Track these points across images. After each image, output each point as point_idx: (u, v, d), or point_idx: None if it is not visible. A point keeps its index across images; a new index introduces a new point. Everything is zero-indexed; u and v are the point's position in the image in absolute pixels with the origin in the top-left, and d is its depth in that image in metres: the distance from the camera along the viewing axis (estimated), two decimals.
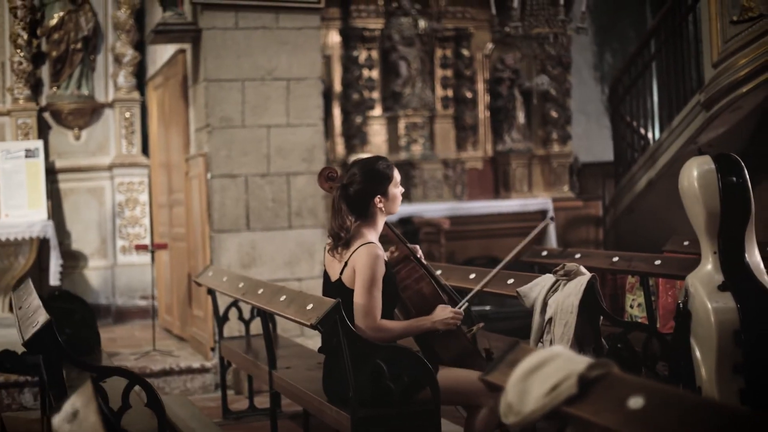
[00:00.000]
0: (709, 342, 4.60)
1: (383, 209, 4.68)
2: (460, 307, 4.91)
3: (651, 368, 5.05)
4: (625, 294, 7.27)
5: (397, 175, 4.78)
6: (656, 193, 10.13)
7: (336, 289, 4.65)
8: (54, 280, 9.81)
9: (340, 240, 4.62)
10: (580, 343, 4.92)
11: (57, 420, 2.55)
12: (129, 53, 10.62)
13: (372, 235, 4.67)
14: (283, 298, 5.01)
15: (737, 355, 4.57)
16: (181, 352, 8.44)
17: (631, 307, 7.14)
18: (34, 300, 5.06)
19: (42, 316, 4.25)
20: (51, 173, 10.62)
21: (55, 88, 10.63)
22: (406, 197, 11.45)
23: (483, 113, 12.13)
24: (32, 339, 4.04)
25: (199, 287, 7.32)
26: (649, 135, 10.64)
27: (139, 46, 10.80)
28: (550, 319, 4.82)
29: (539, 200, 11.63)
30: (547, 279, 4.96)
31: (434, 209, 10.95)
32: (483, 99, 12.13)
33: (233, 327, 7.39)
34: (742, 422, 2.07)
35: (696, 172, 4.70)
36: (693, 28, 9.67)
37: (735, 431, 2.06)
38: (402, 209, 10.77)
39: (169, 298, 9.52)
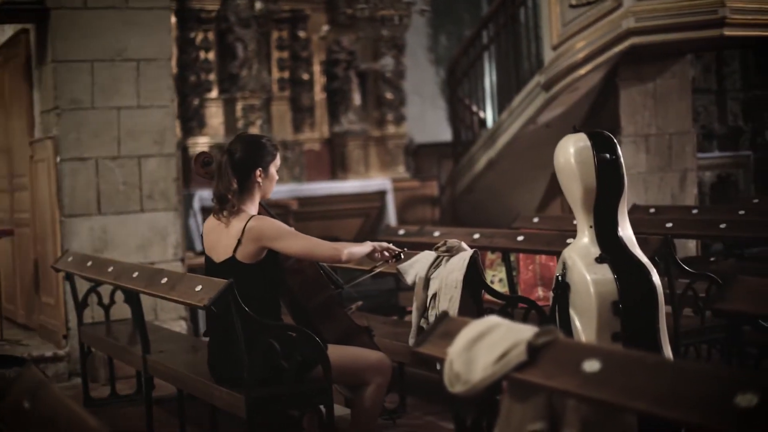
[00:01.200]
0: (588, 312, 4.80)
1: (260, 185, 4.74)
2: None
3: None
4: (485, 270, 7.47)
5: (278, 158, 4.88)
6: (496, 173, 10.42)
7: (228, 267, 4.64)
8: None
9: (227, 202, 4.65)
10: (463, 317, 5.06)
11: None
12: None
13: (253, 209, 4.74)
14: (164, 280, 4.97)
15: (616, 325, 4.78)
16: (30, 341, 8.22)
17: (492, 282, 7.35)
18: None
19: None
20: None
21: None
22: None
23: (319, 95, 12.18)
24: None
25: (57, 273, 7.16)
26: (487, 116, 10.92)
27: None
28: (434, 295, 4.94)
29: (378, 181, 11.77)
30: (428, 255, 5.07)
31: (276, 191, 10.92)
32: (319, 81, 12.18)
33: (88, 313, 7.22)
34: (698, 378, 2.21)
35: (572, 149, 4.87)
36: (530, 12, 9.97)
37: (693, 387, 2.20)
38: None
39: (11, 286, 9.23)
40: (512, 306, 5.08)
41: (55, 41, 7.67)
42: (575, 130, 4.94)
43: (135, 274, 5.40)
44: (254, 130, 11.56)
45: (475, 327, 2.81)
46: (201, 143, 11.26)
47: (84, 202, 7.76)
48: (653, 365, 2.31)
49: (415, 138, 12.66)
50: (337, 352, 4.63)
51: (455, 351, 2.76)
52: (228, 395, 4.58)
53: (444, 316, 3.06)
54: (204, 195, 10.68)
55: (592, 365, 2.42)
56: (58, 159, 7.69)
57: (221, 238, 4.69)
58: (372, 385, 4.69)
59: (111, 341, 6.30)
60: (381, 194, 11.68)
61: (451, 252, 4.98)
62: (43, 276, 8.14)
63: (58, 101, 7.67)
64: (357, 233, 11.42)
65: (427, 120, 12.93)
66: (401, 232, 7.47)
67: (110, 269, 5.82)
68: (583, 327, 4.83)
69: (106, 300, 6.90)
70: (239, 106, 11.63)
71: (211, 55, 11.54)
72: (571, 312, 4.86)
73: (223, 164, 4.71)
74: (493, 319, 2.82)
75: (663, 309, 4.83)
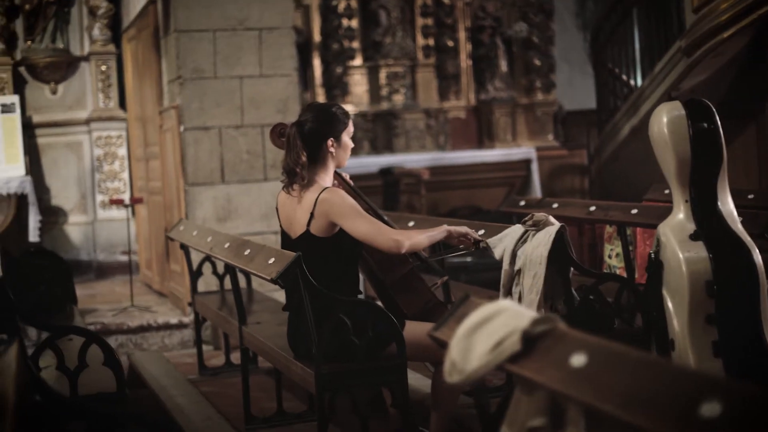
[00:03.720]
0: (681, 293, 4.51)
1: (333, 155, 4.60)
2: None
3: (626, 320, 4.96)
4: (603, 244, 7.18)
5: (351, 126, 4.72)
6: (639, 141, 9.99)
7: (303, 242, 4.55)
8: (33, 236, 9.73)
9: (296, 176, 4.53)
10: (550, 295, 4.85)
11: None
12: (103, 5, 10.43)
13: (327, 180, 4.60)
14: (247, 252, 4.91)
15: (710, 306, 4.48)
16: (160, 307, 8.36)
17: (609, 257, 7.05)
18: None
19: None
20: (28, 128, 10.48)
21: (29, 42, 10.48)
22: (389, 148, 11.35)
23: (465, 62, 11.97)
24: None
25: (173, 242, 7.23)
26: (632, 82, 10.50)
27: None
28: (519, 271, 4.74)
29: (522, 149, 11.52)
30: (516, 230, 4.86)
31: (416, 159, 10.84)
32: (465, 48, 11.97)
33: (210, 281, 7.28)
34: (683, 381, 1.99)
35: (665, 118, 4.58)
36: None
37: (676, 390, 1.98)
38: (382, 160, 10.75)
39: (148, 253, 9.43)
40: (602, 283, 4.80)
41: (178, 11, 7.72)
42: (670, 98, 4.64)
43: (226, 245, 5.37)
44: (398, 98, 11.48)
45: (481, 312, 2.62)
46: None
47: (207, 171, 7.81)
48: (635, 363, 2.09)
49: (565, 105, 12.32)
50: (413, 329, 4.48)
51: (455, 338, 2.59)
52: (302, 370, 4.50)
53: (465, 297, 2.88)
54: None
55: (579, 359, 2.21)
56: (182, 128, 7.75)
57: (296, 212, 4.59)
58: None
59: (217, 311, 6.30)
60: (526, 163, 11.44)
61: (538, 226, 4.75)
62: (171, 244, 8.25)
63: (181, 71, 7.73)
64: (501, 202, 11.19)
65: (576, 86, 12.54)
66: (522, 203, 7.24)
67: (209, 239, 5.81)
68: (675, 308, 4.55)
69: (220, 269, 6.91)
70: (383, 73, 11.56)
71: (354, 23, 11.48)
72: (664, 292, 4.59)
73: (292, 136, 4.57)
74: (501, 304, 2.62)
75: (765, 291, 4.49)
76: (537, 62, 12.05)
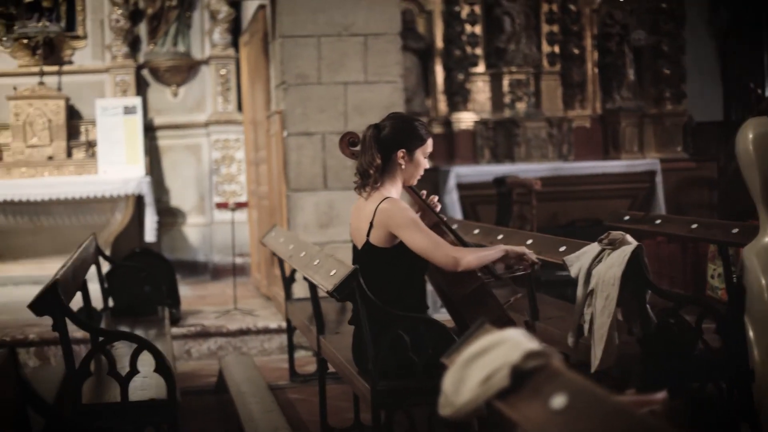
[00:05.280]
0: (763, 321, 4.26)
1: (403, 168, 4.48)
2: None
3: (708, 344, 4.69)
4: (707, 263, 6.87)
5: (430, 145, 4.59)
6: None
7: (365, 253, 4.46)
8: (150, 236, 9.89)
9: (369, 178, 4.45)
10: (627, 318, 4.63)
11: None
12: (224, 9, 10.54)
13: (393, 191, 4.49)
14: (316, 262, 4.84)
15: None
16: (263, 311, 8.37)
17: (712, 277, 6.74)
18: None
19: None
20: (150, 130, 10.68)
21: (152, 45, 10.67)
22: (509, 157, 11.14)
23: (591, 70, 11.67)
24: (36, 300, 3.97)
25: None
26: (759, 92, 10.06)
27: (234, 2, 10.70)
28: (592, 291, 4.53)
29: (647, 161, 11.16)
30: (593, 248, 4.66)
31: (534, 169, 10.61)
32: (591, 55, 11.67)
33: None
34: None
35: (751, 135, 4.33)
36: None
37: None
38: (500, 169, 10.55)
39: (258, 256, 9.47)
40: (681, 306, 4.54)
41: (283, 16, 7.71)
42: (758, 113, 4.38)
43: (302, 254, 5.31)
44: (521, 106, 11.27)
45: (482, 342, 2.46)
46: (466, 119, 11.10)
47: (310, 177, 7.77)
48: (610, 412, 1.92)
49: (695, 116, 11.89)
50: None
51: (452, 368, 2.44)
52: (362, 385, 4.40)
53: (480, 323, 2.72)
54: (461, 171, 10.54)
55: (559, 401, 2.05)
56: (285, 133, 7.74)
57: (360, 221, 4.51)
58: None
59: (301, 318, 6.25)
60: (650, 175, 11.07)
61: (614, 245, 4.54)
62: None
63: (285, 76, 7.72)
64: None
65: (707, 97, 12.09)
66: (626, 218, 6.99)
67: (290, 246, 5.76)
68: (756, 338, 4.29)
69: None
70: (506, 81, 11.35)
71: (478, 29, 11.31)
72: (746, 319, 4.33)
73: (369, 138, 4.50)
74: (504, 334, 2.46)
75: None
76: (666, 71, 11.67)
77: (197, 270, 10.74)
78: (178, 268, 10.45)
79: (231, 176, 10.68)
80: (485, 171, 10.56)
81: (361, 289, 4.21)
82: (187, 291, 9.68)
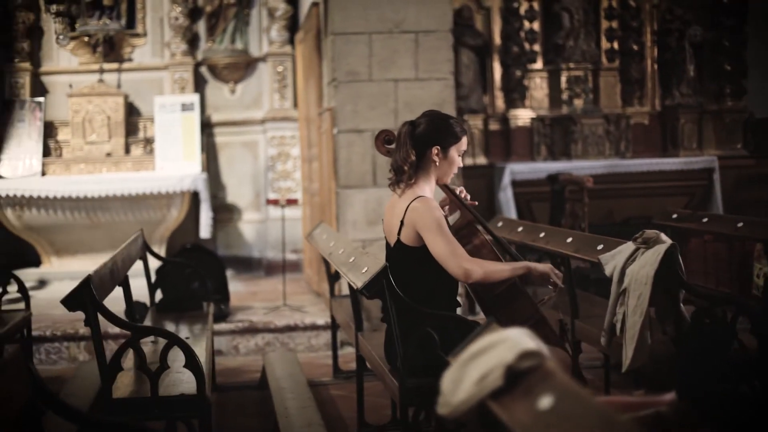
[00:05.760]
0: None
1: (437, 165, 4.47)
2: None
3: (742, 344, 4.63)
4: (753, 262, 6.77)
5: (464, 143, 4.58)
6: None
7: (396, 251, 4.48)
8: (205, 232, 9.98)
9: (404, 174, 4.45)
10: (660, 317, 4.59)
11: None
12: (281, 7, 10.60)
13: (426, 189, 4.48)
14: (352, 259, 4.86)
15: None
16: (312, 308, 8.41)
17: (758, 276, 6.64)
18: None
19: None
20: (207, 127, 10.79)
21: (210, 43, 10.77)
22: (566, 154, 11.07)
23: (650, 66, 11.55)
24: (69, 296, 4.03)
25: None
26: None
27: (292, 0, 10.75)
28: (625, 290, 4.50)
29: (704, 158, 11.02)
30: (628, 247, 4.62)
31: (590, 166, 10.54)
32: (650, 51, 11.55)
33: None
34: None
35: None
36: None
37: None
38: (552, 166, 10.49)
39: (310, 253, 9.51)
40: (716, 306, 4.48)
41: (334, 13, 7.74)
42: None
43: (341, 251, 5.33)
44: (579, 103, 11.20)
45: (482, 341, 2.46)
46: (523, 116, 11.06)
47: (359, 174, 7.80)
48: (592, 415, 1.91)
49: (756, 113, 11.70)
50: None
51: (451, 367, 2.44)
52: (391, 382, 4.42)
53: (487, 324, 2.72)
54: (516, 168, 10.50)
55: (545, 402, 2.04)
56: (335, 130, 7.77)
57: (392, 218, 4.52)
58: None
59: (343, 315, 6.28)
60: (708, 172, 10.94)
61: (648, 244, 4.49)
62: None
63: (336, 73, 7.75)
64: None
65: None
66: (674, 216, 6.93)
67: (331, 243, 5.79)
68: None
69: None
70: (564, 77, 11.29)
71: (536, 26, 11.26)
72: None
73: (403, 134, 4.51)
74: (507, 333, 2.45)
75: None
76: (727, 67, 11.51)
77: (252, 266, 10.83)
78: (233, 264, 10.59)
79: (286, 173, 10.74)
80: (540, 168, 10.51)
81: (390, 287, 4.22)
82: (239, 287, 9.76)
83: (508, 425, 2.11)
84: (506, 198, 10.28)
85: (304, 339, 7.85)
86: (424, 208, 4.35)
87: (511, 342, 2.38)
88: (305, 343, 7.83)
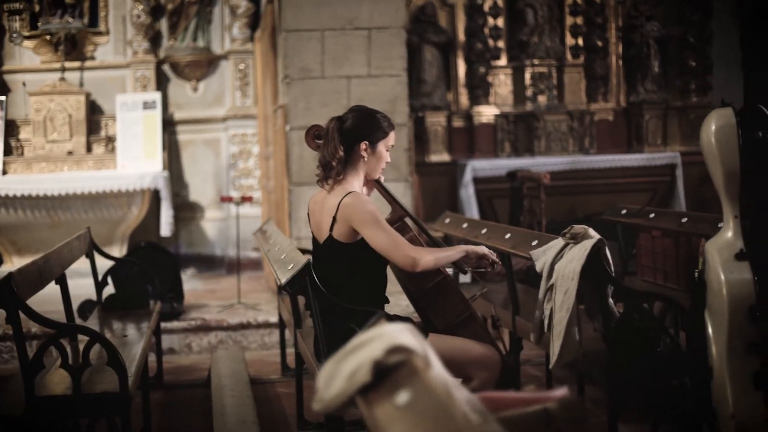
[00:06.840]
0: (721, 318, 4.19)
1: (365, 160, 4.46)
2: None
3: (673, 339, 4.62)
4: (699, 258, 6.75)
5: (392, 138, 4.58)
6: None
7: (326, 248, 4.46)
8: (165, 231, 9.93)
9: (332, 170, 4.45)
10: (589, 313, 4.58)
11: None
12: (243, 4, 10.56)
13: (355, 184, 4.47)
14: (283, 256, 4.85)
15: (752, 334, 4.14)
16: (267, 306, 8.38)
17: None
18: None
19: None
20: (170, 125, 10.75)
21: (172, 41, 10.73)
22: (529, 150, 11.07)
23: (615, 63, 11.56)
24: None
25: None
26: None
27: None
28: (552, 286, 4.49)
29: (667, 154, 11.04)
30: (558, 243, 4.61)
31: (552, 163, 10.54)
32: (615, 48, 11.55)
33: None
34: None
35: (714, 126, 4.27)
36: None
37: None
38: (513, 162, 10.48)
39: None
40: (646, 302, 4.46)
41: (287, 10, 7.72)
42: (723, 104, 4.30)
43: (276, 248, 5.31)
44: (543, 99, 11.19)
45: (361, 336, 2.44)
46: (487, 112, 11.05)
47: (312, 171, 7.70)
48: (442, 414, 1.89)
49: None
50: (436, 343, 4.29)
51: (328, 363, 2.42)
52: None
53: (377, 318, 2.70)
54: (477, 165, 10.49)
55: (402, 398, 2.02)
56: (288, 127, 7.75)
57: (322, 215, 4.50)
58: (475, 381, 4.33)
59: (288, 312, 6.25)
60: (671, 168, 10.95)
61: (576, 239, 4.49)
62: None
63: (288, 70, 7.73)
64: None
65: (733, 88, 11.88)
66: (623, 211, 6.93)
67: (271, 241, 5.77)
68: (714, 334, 4.22)
69: None
70: (528, 74, 11.28)
71: (500, 22, 11.25)
72: (706, 315, 4.27)
73: (331, 130, 4.50)
74: (382, 329, 2.43)
75: None
76: (692, 63, 11.53)
77: (214, 264, 10.81)
78: (195, 262, 10.56)
79: (248, 171, 10.71)
80: (502, 165, 10.51)
81: (313, 283, 4.20)
82: (198, 285, 9.74)
83: (366, 420, 2.09)
84: (467, 195, 10.27)
85: (257, 337, 7.83)
86: (357, 203, 4.33)
87: (387, 337, 2.36)
88: (258, 341, 7.81)
